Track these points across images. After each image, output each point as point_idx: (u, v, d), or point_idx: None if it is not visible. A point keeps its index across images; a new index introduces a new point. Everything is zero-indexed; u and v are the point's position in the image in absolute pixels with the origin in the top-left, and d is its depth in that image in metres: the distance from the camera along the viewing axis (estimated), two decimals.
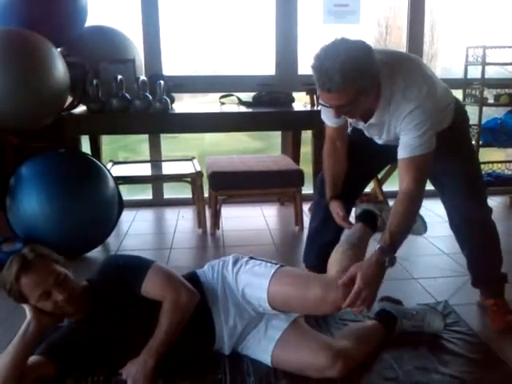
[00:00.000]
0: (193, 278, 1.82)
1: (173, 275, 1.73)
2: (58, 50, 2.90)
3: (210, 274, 1.85)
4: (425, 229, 2.02)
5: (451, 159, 1.93)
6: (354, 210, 2.13)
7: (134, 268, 1.72)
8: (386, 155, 2.00)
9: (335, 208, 2.02)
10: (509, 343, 1.93)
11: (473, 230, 2.03)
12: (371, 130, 1.90)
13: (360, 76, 1.56)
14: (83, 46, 3.20)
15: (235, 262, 1.82)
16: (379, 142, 1.94)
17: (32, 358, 1.60)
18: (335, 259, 1.81)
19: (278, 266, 1.76)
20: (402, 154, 1.74)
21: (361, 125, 1.90)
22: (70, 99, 3.12)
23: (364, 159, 2.06)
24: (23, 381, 1.54)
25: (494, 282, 2.13)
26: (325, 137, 2.07)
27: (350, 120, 1.92)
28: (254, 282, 1.73)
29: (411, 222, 1.77)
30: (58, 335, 1.70)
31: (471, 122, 3.76)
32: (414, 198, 1.73)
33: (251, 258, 1.84)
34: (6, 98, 2.59)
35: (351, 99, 1.60)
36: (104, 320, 1.69)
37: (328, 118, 1.98)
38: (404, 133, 1.72)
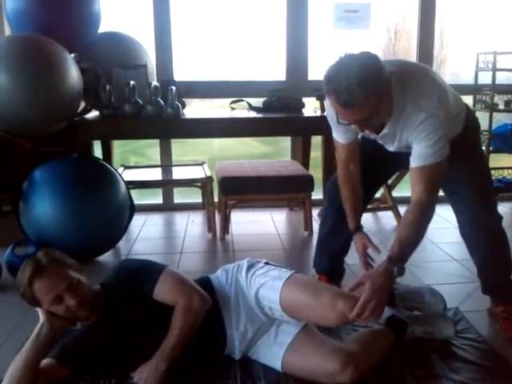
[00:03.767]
0: (205, 282, 1.84)
1: (185, 280, 1.75)
2: (72, 55, 2.93)
3: (223, 279, 1.86)
4: (454, 331, 1.97)
5: (462, 166, 1.93)
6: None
7: (146, 272, 1.74)
8: (397, 161, 2.00)
9: (361, 240, 2.03)
10: None
11: (482, 237, 2.02)
12: (384, 139, 1.90)
13: (377, 83, 1.56)
14: (96, 51, 3.23)
15: (250, 267, 1.83)
16: (391, 149, 1.94)
17: (45, 361, 1.62)
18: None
19: (292, 271, 1.77)
20: (414, 163, 1.74)
21: (372, 136, 1.90)
22: (82, 104, 3.15)
23: (375, 165, 2.06)
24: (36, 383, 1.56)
25: (503, 288, 2.12)
26: (337, 167, 2.07)
27: (361, 133, 1.92)
28: (268, 283, 1.74)
29: (422, 233, 1.76)
30: (71, 338, 1.71)
31: (482, 128, 3.77)
32: (426, 208, 1.73)
33: (266, 263, 1.85)
34: (20, 103, 2.62)
35: (374, 109, 1.60)
36: (116, 324, 1.70)
37: (339, 135, 1.97)
38: (416, 142, 1.72)
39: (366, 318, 1.58)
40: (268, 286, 1.74)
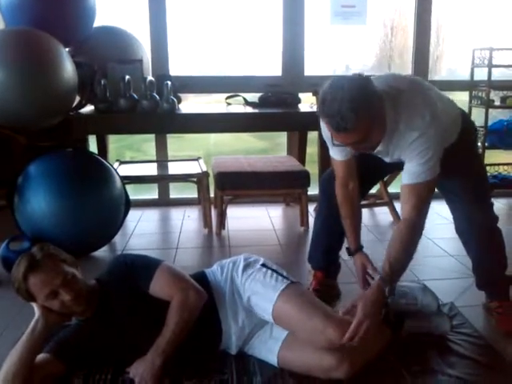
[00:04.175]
0: (201, 277, 1.83)
1: (181, 275, 1.74)
2: (67, 49, 2.91)
3: (218, 274, 1.86)
4: (450, 327, 1.97)
5: (458, 170, 1.93)
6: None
7: (142, 267, 1.73)
8: (395, 164, 2.01)
9: (361, 260, 2.03)
10: None
11: (478, 235, 2.03)
12: (379, 154, 1.91)
13: (369, 106, 1.56)
14: (91, 46, 3.22)
15: (246, 267, 1.82)
16: (386, 160, 1.94)
17: (40, 356, 1.61)
18: None
19: (289, 282, 1.76)
20: (404, 179, 1.77)
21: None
22: (77, 99, 3.13)
23: (371, 166, 2.06)
24: (32, 378, 1.55)
25: (498, 284, 2.14)
26: (335, 187, 2.05)
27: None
28: (262, 292, 1.74)
29: (412, 251, 1.78)
30: (67, 333, 1.71)
31: (477, 124, 3.78)
32: (414, 226, 1.75)
33: (263, 265, 1.83)
34: (15, 97, 2.60)
35: (367, 131, 1.60)
36: (112, 319, 1.70)
37: (336, 153, 1.96)
38: (408, 160, 1.75)
39: (358, 340, 1.59)
40: (262, 296, 1.73)
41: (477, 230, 2.01)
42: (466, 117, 2.01)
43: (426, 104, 1.71)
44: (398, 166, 1.89)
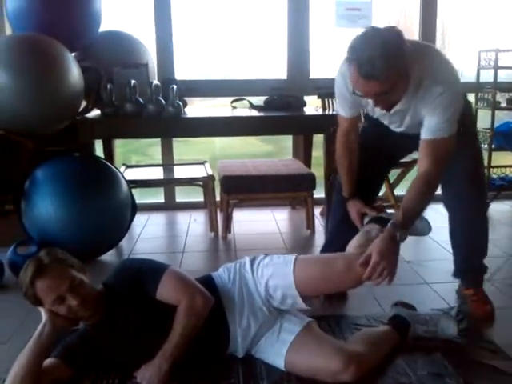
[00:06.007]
0: (208, 281, 1.83)
1: (188, 279, 1.74)
2: (73, 54, 2.93)
3: (225, 276, 1.86)
4: (429, 229, 2.01)
5: (461, 147, 1.93)
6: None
7: (149, 272, 1.73)
8: (401, 150, 2.04)
9: (355, 206, 2.06)
10: None
11: (465, 210, 2.05)
12: (394, 117, 1.92)
13: (399, 58, 1.60)
14: (97, 50, 3.23)
15: (252, 261, 1.84)
16: (398, 129, 1.96)
17: (48, 361, 1.62)
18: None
19: (296, 254, 1.79)
20: (424, 134, 1.79)
21: (380, 112, 1.92)
22: (84, 104, 3.15)
23: (378, 157, 2.09)
24: (39, 383, 1.56)
25: (477, 272, 2.18)
26: (336, 138, 2.10)
27: (365, 110, 1.95)
28: (277, 271, 1.75)
29: (426, 203, 1.81)
30: (74, 338, 1.71)
31: (484, 126, 3.78)
32: (431, 180, 1.77)
33: (266, 254, 1.86)
34: (22, 102, 2.62)
35: (392, 84, 1.63)
36: (119, 324, 1.70)
37: (344, 109, 2.00)
38: (429, 116, 1.76)
39: (377, 280, 1.61)
40: (278, 275, 1.74)
41: (467, 208, 2.03)
42: (465, 97, 2.05)
43: (449, 63, 1.77)
44: (407, 151, 1.95)
